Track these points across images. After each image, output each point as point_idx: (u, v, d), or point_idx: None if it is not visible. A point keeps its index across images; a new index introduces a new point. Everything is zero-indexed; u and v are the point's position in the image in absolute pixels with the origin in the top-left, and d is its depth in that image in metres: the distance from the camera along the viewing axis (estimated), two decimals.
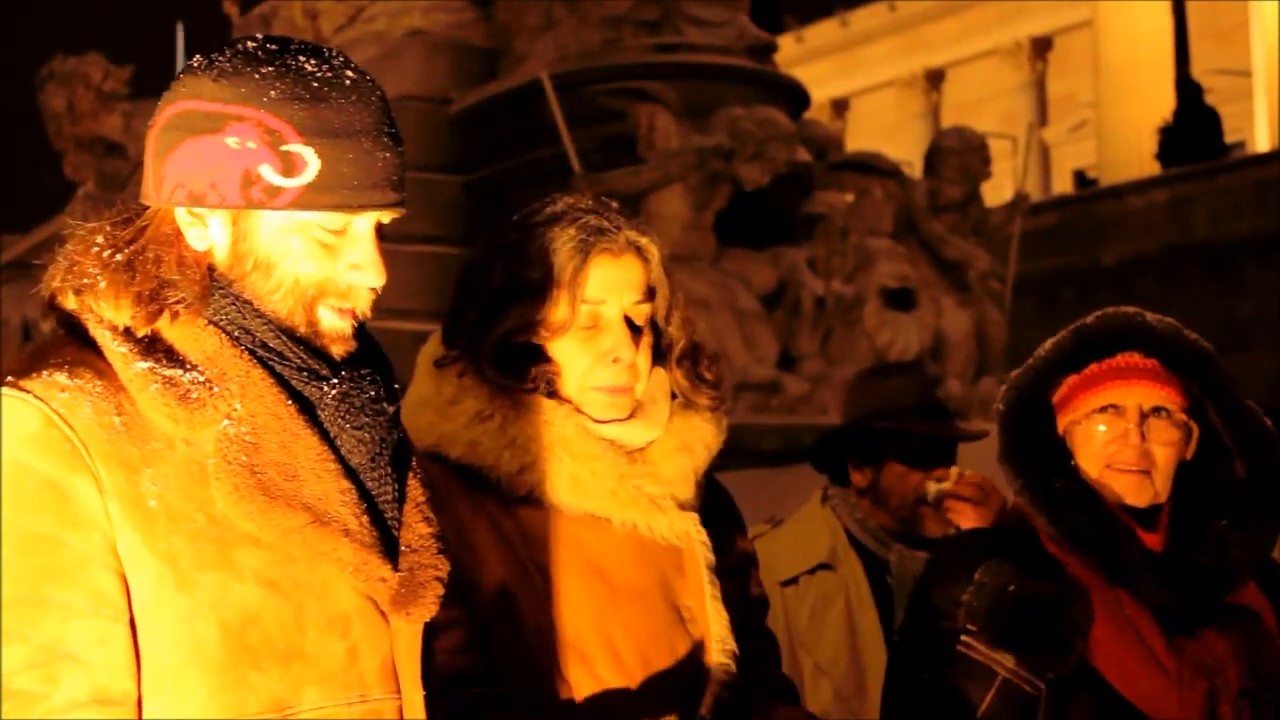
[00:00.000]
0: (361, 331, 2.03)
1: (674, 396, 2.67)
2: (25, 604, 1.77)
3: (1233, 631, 2.85)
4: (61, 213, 17.54)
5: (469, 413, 2.56)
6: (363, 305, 1.99)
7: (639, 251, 2.60)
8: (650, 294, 2.61)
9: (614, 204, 2.65)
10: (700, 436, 2.65)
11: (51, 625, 1.78)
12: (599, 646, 2.49)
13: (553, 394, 2.57)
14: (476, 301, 2.59)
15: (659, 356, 2.66)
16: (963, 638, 2.80)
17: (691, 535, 2.59)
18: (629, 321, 2.57)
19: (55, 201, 18.26)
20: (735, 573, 2.72)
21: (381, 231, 2.01)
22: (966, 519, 3.95)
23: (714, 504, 2.73)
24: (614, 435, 2.57)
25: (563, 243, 2.54)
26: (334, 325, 1.97)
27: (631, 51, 14.83)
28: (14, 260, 18.17)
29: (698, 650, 2.56)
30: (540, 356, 2.57)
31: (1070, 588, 2.80)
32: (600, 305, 2.55)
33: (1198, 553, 2.86)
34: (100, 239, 1.97)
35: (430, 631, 2.06)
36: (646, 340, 2.60)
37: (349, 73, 1.96)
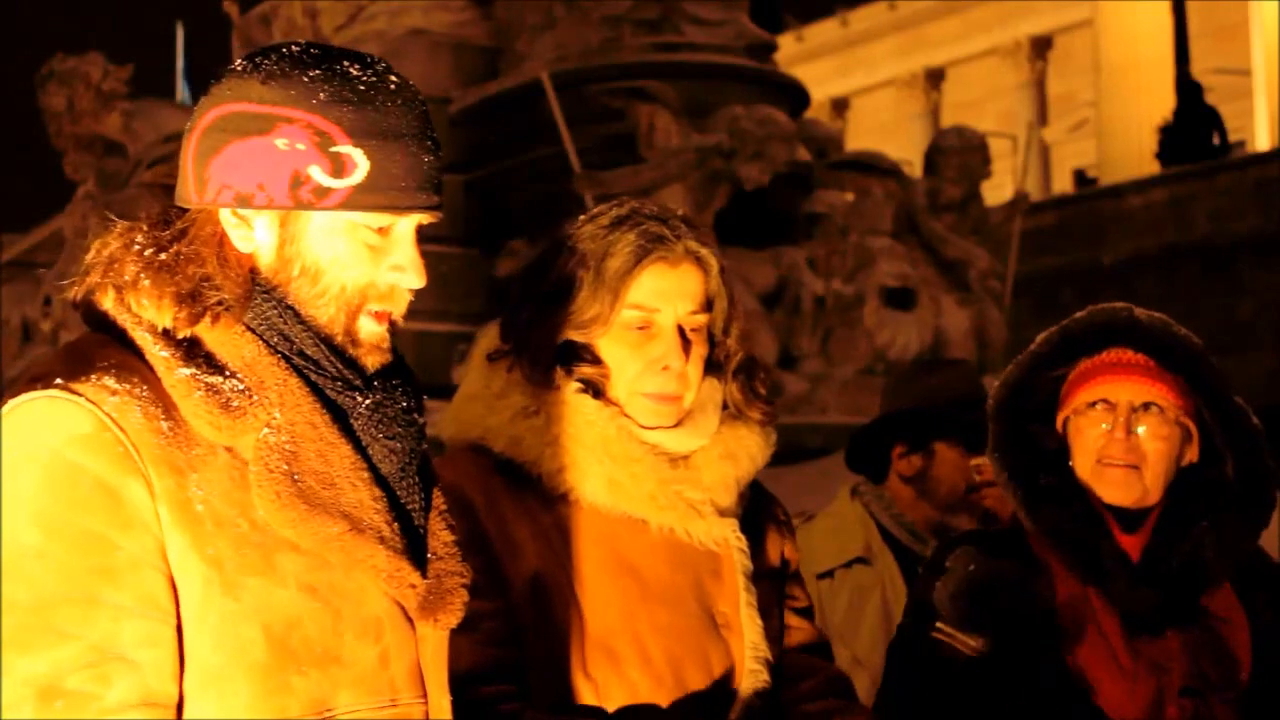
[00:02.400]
0: (392, 343, 2.04)
1: (725, 407, 2.68)
2: (78, 602, 1.78)
3: (1193, 632, 2.86)
4: (61, 213, 17.55)
5: (515, 407, 2.59)
6: (401, 308, 2.02)
7: (699, 261, 2.61)
8: (708, 305, 2.62)
9: (680, 211, 2.65)
10: (745, 447, 2.66)
11: (103, 625, 1.78)
12: (628, 645, 2.50)
13: (600, 395, 2.58)
14: (531, 298, 2.62)
15: (715, 367, 2.67)
16: (936, 624, 2.83)
17: (730, 541, 2.61)
18: (683, 331, 2.58)
19: (55, 201, 18.25)
20: (776, 579, 2.74)
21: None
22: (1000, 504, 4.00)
23: (759, 512, 2.75)
24: (657, 440, 2.59)
25: (620, 246, 2.56)
26: (373, 332, 1.99)
27: (631, 51, 14.83)
28: (13, 260, 18.18)
29: (731, 656, 2.57)
30: (591, 357, 2.59)
31: (1034, 567, 2.82)
32: (654, 313, 2.57)
33: (1172, 554, 2.86)
34: (140, 238, 1.97)
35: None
36: (700, 350, 2.61)
37: (392, 78, 1.99)
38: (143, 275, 1.93)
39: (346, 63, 1.97)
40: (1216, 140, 26.16)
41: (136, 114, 16.88)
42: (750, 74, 15.23)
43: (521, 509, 2.53)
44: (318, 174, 1.92)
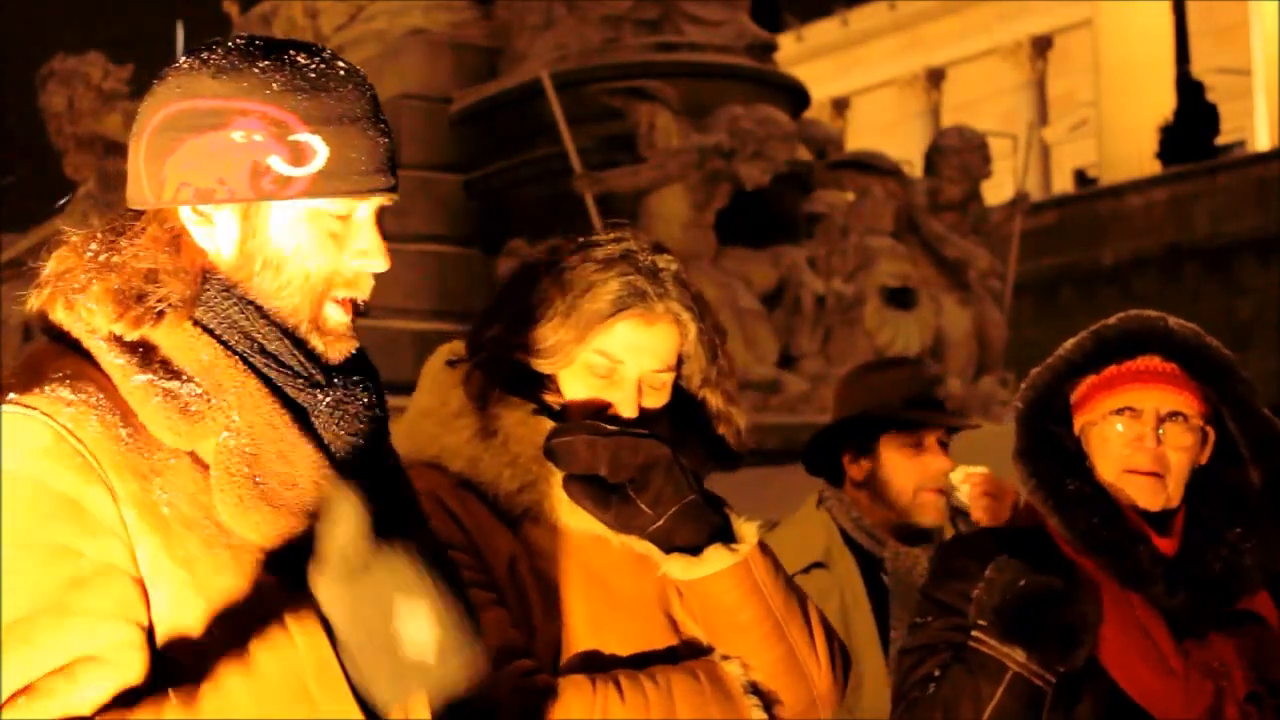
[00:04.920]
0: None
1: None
2: (50, 613, 1.77)
3: (1241, 637, 2.86)
4: (61, 212, 17.55)
5: (472, 428, 2.58)
6: (366, 293, 2.01)
7: (677, 322, 2.60)
8: (679, 363, 2.62)
9: (673, 267, 2.62)
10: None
11: (77, 633, 1.78)
12: (598, 653, 2.50)
13: (556, 420, 2.57)
14: (505, 315, 2.60)
15: (692, 416, 2.67)
16: (973, 633, 2.82)
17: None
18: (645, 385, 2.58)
19: (55, 201, 18.26)
20: None
21: (381, 225, 2.02)
22: (988, 514, 4.02)
23: None
24: None
25: (602, 290, 2.54)
26: (339, 321, 1.98)
27: (631, 50, 14.82)
28: (13, 259, 18.19)
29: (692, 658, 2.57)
30: (552, 385, 2.59)
31: (1080, 583, 2.81)
32: (619, 364, 2.56)
33: (1210, 559, 2.86)
34: (94, 245, 1.97)
35: None
36: (656, 402, 2.60)
37: (339, 64, 1.99)
38: (91, 280, 1.93)
39: (294, 52, 1.97)
40: (1217, 140, 26.16)
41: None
42: (750, 74, 15.22)
43: (493, 519, 2.53)
44: (278, 164, 1.92)
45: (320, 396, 1.97)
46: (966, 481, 4.11)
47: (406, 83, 15.52)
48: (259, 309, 1.96)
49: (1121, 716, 2.81)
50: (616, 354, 2.56)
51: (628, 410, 2.56)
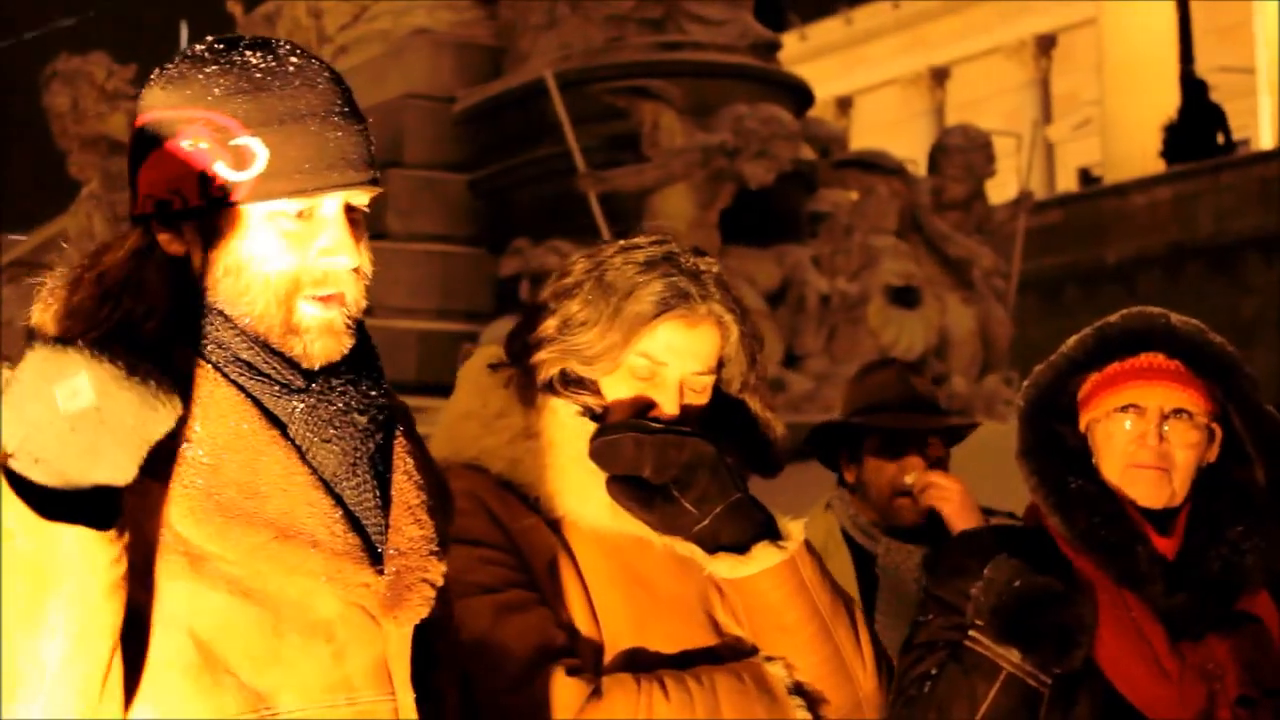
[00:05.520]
0: (360, 333, 2.01)
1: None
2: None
3: (1237, 638, 2.85)
4: (66, 212, 17.56)
5: (514, 429, 2.57)
6: (349, 290, 1.98)
7: (719, 324, 2.59)
8: (719, 365, 2.61)
9: (715, 269, 2.62)
10: None
11: (27, 645, 1.74)
12: (642, 654, 2.50)
13: (598, 421, 2.56)
14: (546, 319, 2.59)
15: (729, 421, 2.65)
16: (970, 632, 2.81)
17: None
18: (684, 386, 2.57)
19: (59, 201, 18.28)
20: None
21: (353, 215, 1.99)
22: (949, 503, 4.04)
23: None
24: None
25: (645, 293, 2.53)
26: (318, 316, 1.95)
27: (635, 49, 14.85)
28: (17, 260, 18.20)
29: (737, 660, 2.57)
30: (594, 388, 2.57)
31: (1077, 584, 2.81)
32: (661, 366, 2.55)
33: (1210, 558, 2.85)
34: (86, 259, 1.98)
35: (423, 632, 2.06)
36: (697, 404, 2.58)
37: (293, 59, 1.96)
38: (68, 293, 1.93)
39: (248, 53, 1.95)
40: (1221, 139, 26.15)
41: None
42: (754, 73, 15.24)
43: (533, 520, 2.52)
44: (222, 170, 1.91)
45: (295, 404, 1.94)
46: (916, 483, 4.15)
47: (410, 82, 15.55)
48: (225, 316, 1.94)
49: (1118, 718, 2.81)
50: (659, 356, 2.55)
51: (670, 411, 2.55)
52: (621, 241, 2.64)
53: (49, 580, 1.68)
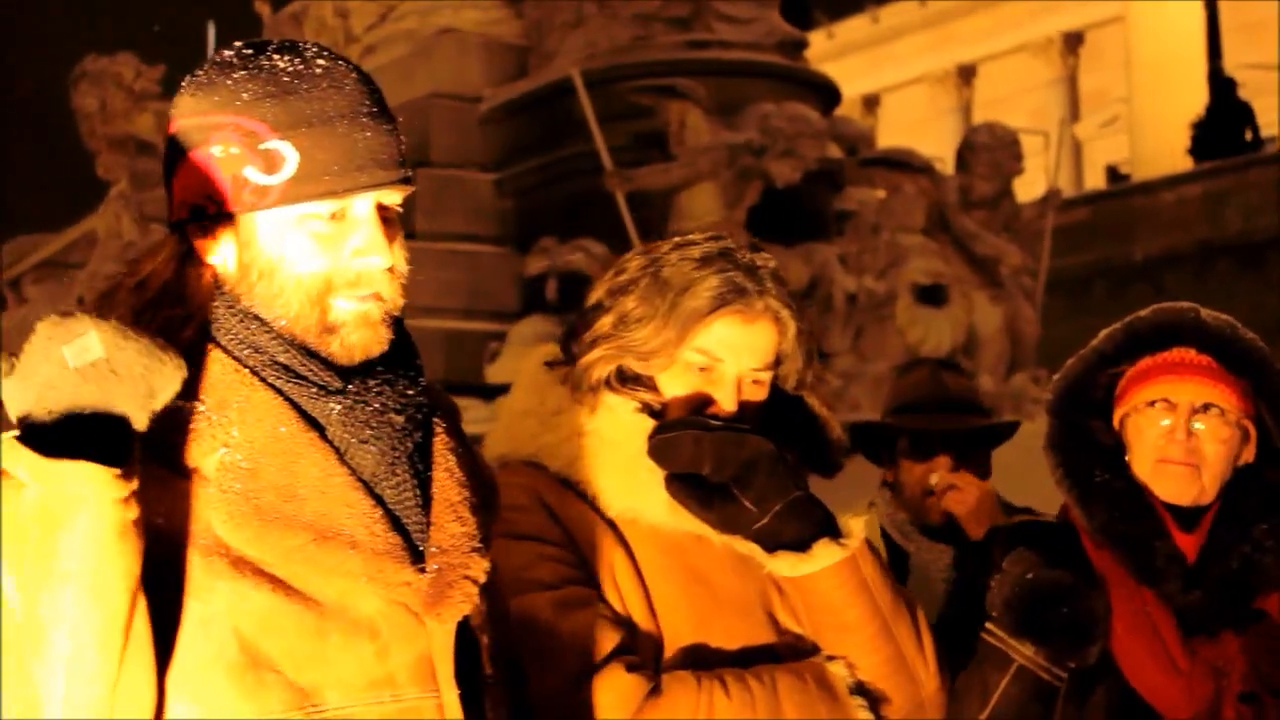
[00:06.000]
0: (399, 330, 2.02)
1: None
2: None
3: (1249, 635, 2.85)
4: (94, 213, 17.62)
5: (572, 426, 2.56)
6: (386, 289, 1.99)
7: (776, 320, 2.57)
8: (776, 361, 2.59)
9: (771, 264, 2.60)
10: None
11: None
12: (702, 652, 2.49)
13: (657, 418, 2.55)
14: (601, 316, 2.59)
15: (786, 418, 2.64)
16: (986, 624, 2.82)
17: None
18: (741, 382, 2.56)
19: (87, 202, 18.34)
20: None
21: (386, 214, 2.00)
22: (963, 506, 4.07)
23: None
24: None
25: (701, 288, 2.52)
26: (356, 311, 1.97)
27: (662, 48, 14.85)
28: (46, 260, 18.27)
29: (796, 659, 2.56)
30: (650, 384, 2.57)
31: (1092, 578, 2.81)
32: (718, 362, 2.54)
33: (1231, 556, 2.85)
34: (126, 267, 2.01)
35: (465, 628, 2.06)
36: (755, 400, 2.57)
37: (320, 61, 1.97)
38: (108, 301, 1.95)
39: (275, 57, 1.96)
40: (1249, 136, 26.06)
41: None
42: (781, 71, 15.24)
43: (592, 517, 2.52)
44: (253, 174, 1.93)
45: (331, 405, 1.95)
46: (939, 484, 4.16)
47: (437, 81, 15.57)
48: (260, 321, 1.96)
49: (1132, 712, 2.81)
50: (716, 352, 2.53)
51: (728, 407, 2.54)
52: (677, 238, 2.63)
53: (59, 520, 1.69)
